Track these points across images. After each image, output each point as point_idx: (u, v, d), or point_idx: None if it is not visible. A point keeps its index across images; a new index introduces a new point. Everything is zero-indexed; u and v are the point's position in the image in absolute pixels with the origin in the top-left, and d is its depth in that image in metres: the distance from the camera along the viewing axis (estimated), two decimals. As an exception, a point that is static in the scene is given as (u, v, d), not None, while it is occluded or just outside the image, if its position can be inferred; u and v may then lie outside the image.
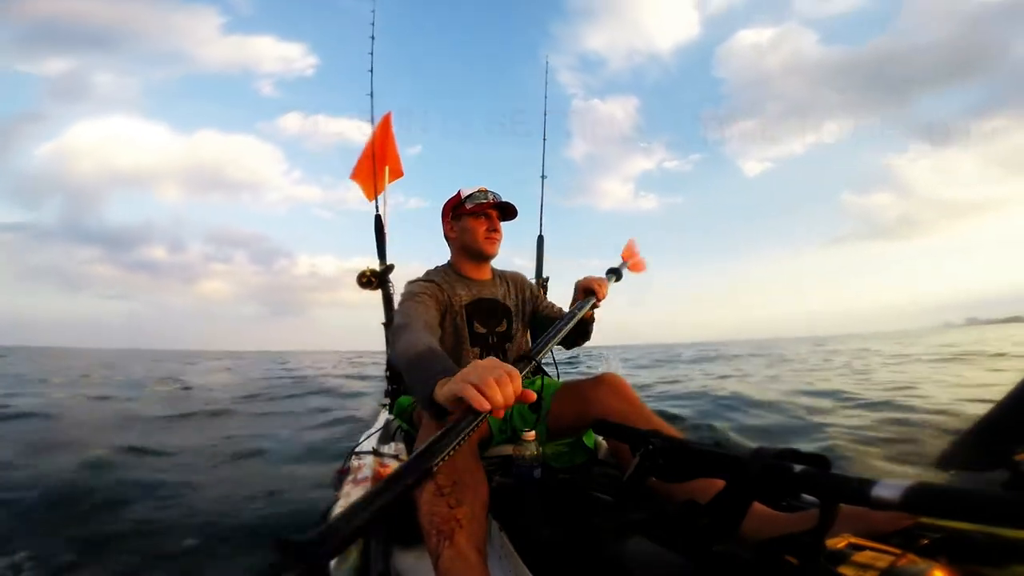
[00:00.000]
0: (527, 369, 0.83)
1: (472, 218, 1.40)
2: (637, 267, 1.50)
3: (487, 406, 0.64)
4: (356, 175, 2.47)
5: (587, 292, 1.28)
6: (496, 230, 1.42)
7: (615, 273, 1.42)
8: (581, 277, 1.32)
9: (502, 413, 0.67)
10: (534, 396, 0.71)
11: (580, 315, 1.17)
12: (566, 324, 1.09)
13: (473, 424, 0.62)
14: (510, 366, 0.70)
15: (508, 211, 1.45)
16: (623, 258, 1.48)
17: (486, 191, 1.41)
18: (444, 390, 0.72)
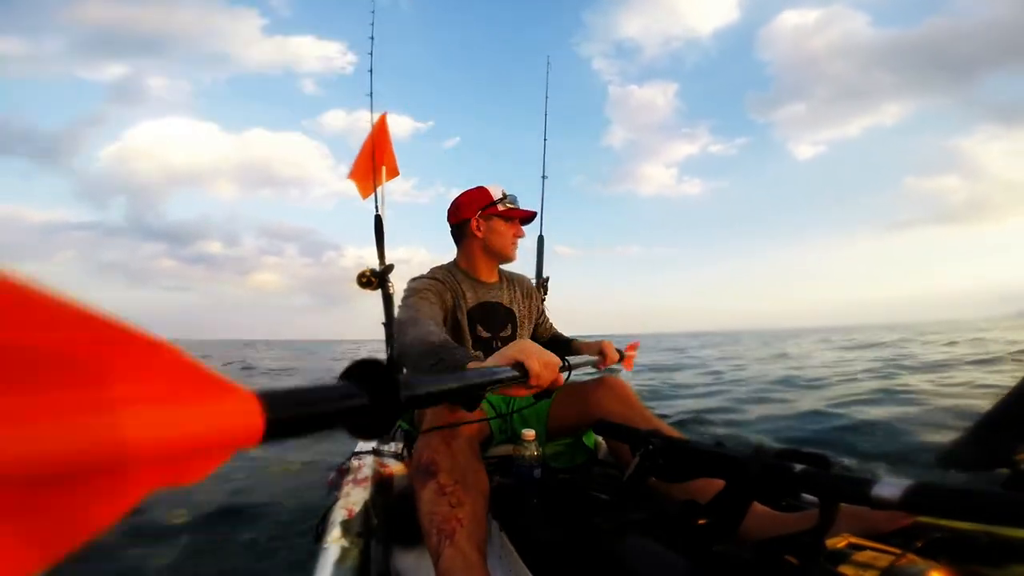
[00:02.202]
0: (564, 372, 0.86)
1: (503, 221, 1.39)
2: (628, 364, 1.52)
3: (538, 380, 0.69)
4: (354, 175, 2.50)
5: (600, 353, 1.34)
6: (521, 236, 1.44)
7: (620, 355, 1.43)
8: (605, 341, 1.40)
9: (535, 391, 0.72)
10: (563, 380, 0.78)
11: (586, 362, 1.23)
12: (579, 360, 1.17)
13: (514, 381, 0.67)
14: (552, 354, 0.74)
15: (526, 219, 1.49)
16: (627, 350, 1.49)
17: (506, 193, 1.43)
18: (494, 358, 0.72)
